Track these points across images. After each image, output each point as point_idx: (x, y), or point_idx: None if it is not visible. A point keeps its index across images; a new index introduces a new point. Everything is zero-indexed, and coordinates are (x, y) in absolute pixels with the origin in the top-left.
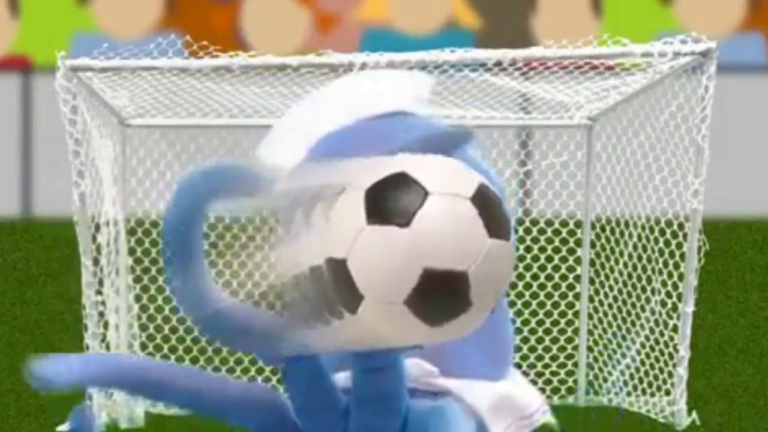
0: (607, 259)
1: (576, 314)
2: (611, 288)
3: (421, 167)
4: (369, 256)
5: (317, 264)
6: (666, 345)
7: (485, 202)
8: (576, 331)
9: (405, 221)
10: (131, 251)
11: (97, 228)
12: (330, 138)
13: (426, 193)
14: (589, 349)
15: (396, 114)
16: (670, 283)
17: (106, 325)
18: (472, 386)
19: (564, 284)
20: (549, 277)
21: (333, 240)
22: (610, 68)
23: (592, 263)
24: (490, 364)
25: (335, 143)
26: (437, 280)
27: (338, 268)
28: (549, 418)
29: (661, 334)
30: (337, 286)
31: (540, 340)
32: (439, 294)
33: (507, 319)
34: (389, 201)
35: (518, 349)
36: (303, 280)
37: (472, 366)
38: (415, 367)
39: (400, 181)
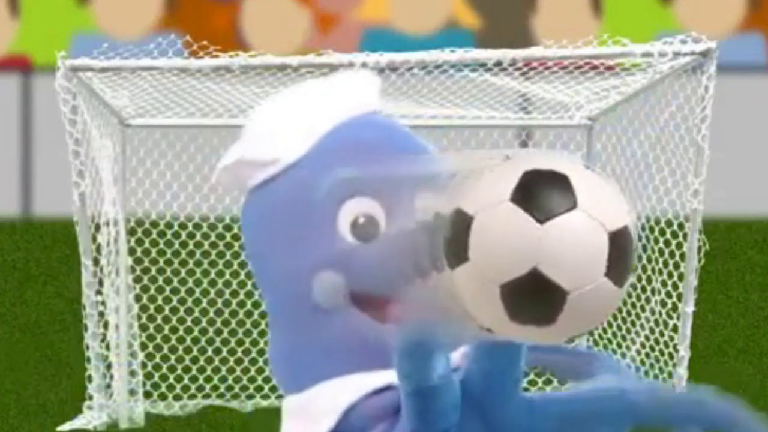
0: None
1: None
2: None
3: (583, 180)
4: (493, 228)
5: (445, 212)
6: (666, 345)
7: (621, 244)
8: None
9: (543, 218)
10: (131, 251)
11: (97, 228)
12: (346, 127)
13: (575, 205)
14: (589, 349)
15: (373, 114)
16: (670, 283)
17: (106, 325)
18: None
19: None
20: None
21: (472, 195)
22: (610, 68)
23: None
24: None
25: (356, 133)
26: (515, 290)
27: (461, 221)
28: None
29: (661, 334)
30: (452, 237)
31: None
32: (533, 298)
33: None
34: (540, 193)
35: None
36: (426, 225)
37: None
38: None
39: (558, 181)
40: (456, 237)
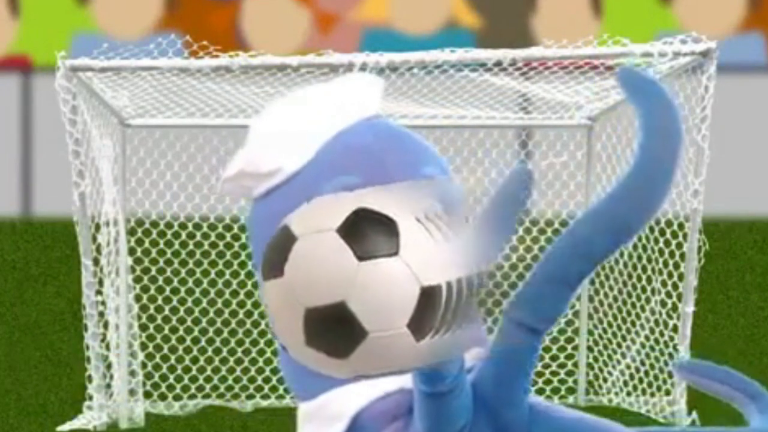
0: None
1: (576, 314)
2: (611, 288)
3: (412, 231)
4: (313, 253)
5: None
6: (666, 345)
7: (431, 301)
8: (576, 331)
9: (363, 256)
10: (131, 251)
11: (97, 228)
12: (348, 135)
13: (397, 252)
14: (589, 349)
15: (375, 117)
16: (670, 283)
17: (106, 325)
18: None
19: None
20: None
21: (303, 217)
22: (610, 68)
23: None
24: None
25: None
26: (318, 316)
27: (286, 238)
28: None
29: (661, 334)
30: (273, 251)
31: None
32: (333, 329)
33: None
34: (366, 232)
35: None
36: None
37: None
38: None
39: (387, 226)
40: (277, 252)
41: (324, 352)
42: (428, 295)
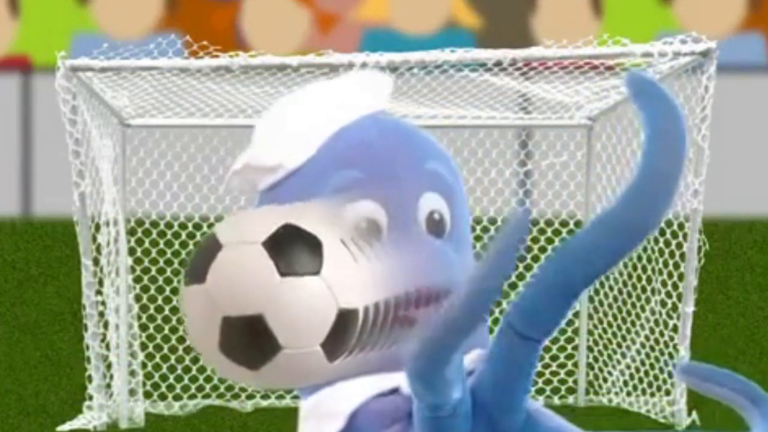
0: None
1: (576, 314)
2: (611, 288)
3: (336, 253)
4: (236, 264)
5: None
6: (666, 345)
7: (346, 324)
8: (576, 331)
9: (285, 272)
10: (131, 251)
11: (97, 228)
12: (350, 130)
13: (319, 272)
14: (589, 349)
15: (381, 113)
16: (670, 283)
17: (106, 325)
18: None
19: None
20: None
21: (230, 227)
22: (610, 68)
23: None
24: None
25: (359, 135)
26: (235, 326)
27: (212, 246)
28: None
29: (661, 334)
30: (198, 257)
31: None
32: (248, 340)
33: None
34: (291, 248)
35: None
36: None
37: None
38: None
39: (312, 245)
40: (201, 258)
41: (236, 362)
42: (345, 318)
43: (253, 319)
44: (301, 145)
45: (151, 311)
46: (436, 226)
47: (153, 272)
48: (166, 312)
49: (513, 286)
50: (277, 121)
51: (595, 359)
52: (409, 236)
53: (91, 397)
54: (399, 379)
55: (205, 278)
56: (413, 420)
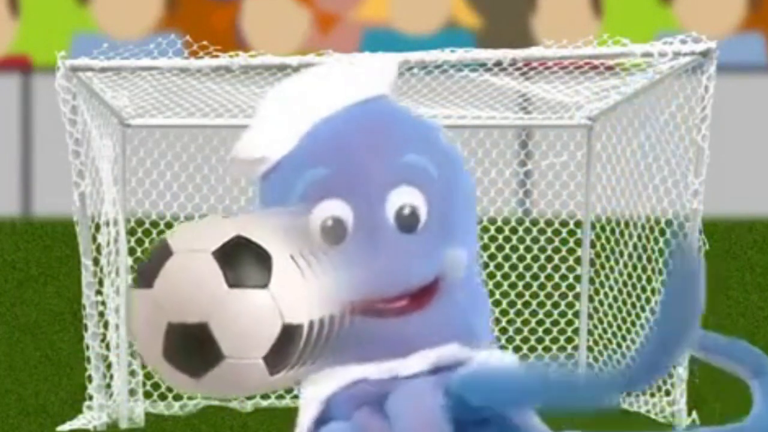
0: (607, 259)
1: (576, 314)
2: (611, 288)
3: (284, 268)
4: (186, 271)
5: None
6: None
7: (290, 339)
8: (576, 331)
9: (233, 283)
10: (131, 251)
11: (97, 228)
12: (327, 123)
13: (266, 286)
14: (589, 349)
15: (376, 98)
16: None
17: (106, 325)
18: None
19: (564, 284)
20: (549, 277)
21: (183, 234)
22: (610, 68)
23: (592, 263)
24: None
25: (333, 128)
26: (179, 332)
27: (163, 252)
28: None
29: None
30: (149, 263)
31: (540, 340)
32: (192, 348)
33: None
34: (240, 260)
35: (518, 348)
36: None
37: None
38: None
39: (262, 259)
40: (151, 263)
41: (178, 368)
42: (289, 333)
43: (198, 327)
44: (281, 137)
45: None
46: (406, 221)
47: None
48: None
49: (512, 285)
50: (264, 112)
51: (595, 359)
52: (374, 233)
53: (91, 397)
54: (366, 370)
55: (153, 283)
56: (384, 404)
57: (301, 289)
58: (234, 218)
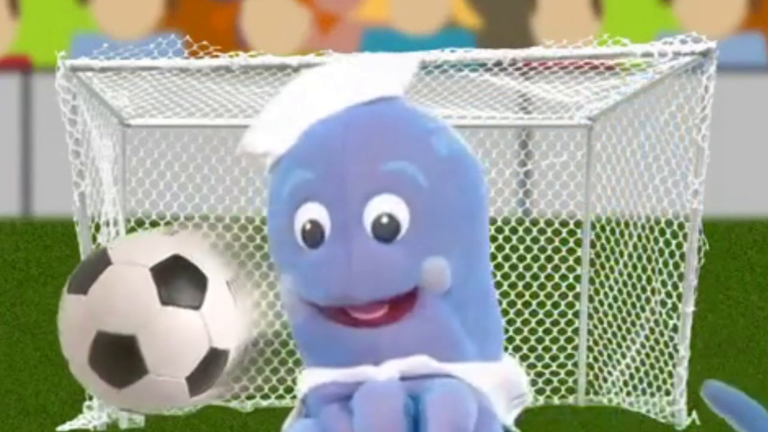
0: (607, 259)
1: (576, 314)
2: (611, 288)
3: (219, 291)
4: (122, 283)
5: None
6: (666, 345)
7: (215, 362)
8: (576, 331)
9: (166, 300)
10: None
11: (97, 228)
12: (323, 123)
13: (199, 307)
14: (589, 349)
15: (384, 99)
16: (670, 283)
17: None
18: (474, 368)
19: (564, 284)
20: (549, 277)
21: (126, 247)
22: (610, 68)
23: (592, 263)
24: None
25: (327, 130)
26: (107, 342)
27: (101, 260)
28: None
29: (661, 334)
30: (86, 268)
31: (540, 340)
32: (118, 359)
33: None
34: (176, 278)
35: (518, 349)
36: None
37: (468, 353)
38: (417, 361)
39: (199, 280)
40: (88, 270)
41: (101, 377)
42: (215, 356)
43: (127, 339)
44: (284, 134)
45: None
46: (383, 230)
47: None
48: None
49: (512, 285)
50: (272, 107)
51: (595, 359)
52: (349, 240)
53: (91, 397)
54: (337, 374)
55: (87, 290)
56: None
57: (231, 316)
58: (177, 237)
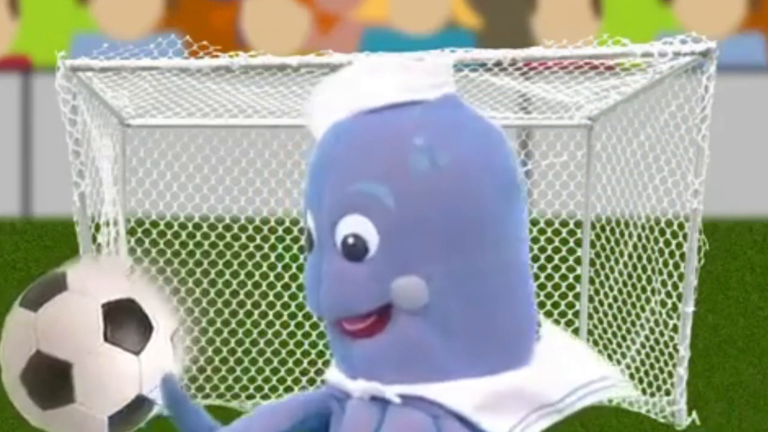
0: (607, 259)
1: (576, 314)
2: (611, 288)
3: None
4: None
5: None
6: (666, 345)
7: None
8: (576, 331)
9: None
10: (131, 251)
11: (97, 228)
12: (334, 128)
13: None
14: None
15: (401, 105)
16: (670, 283)
17: None
18: (454, 387)
19: (564, 284)
20: (549, 277)
21: (81, 273)
22: (610, 68)
23: (592, 263)
24: (481, 361)
25: (330, 139)
26: (44, 362)
27: (57, 284)
28: (608, 394)
29: (661, 334)
30: (43, 288)
31: None
32: (45, 376)
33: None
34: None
35: None
36: None
37: (451, 371)
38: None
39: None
40: (42, 290)
41: (28, 393)
42: (140, 404)
43: (62, 365)
44: (318, 126)
45: None
46: (350, 250)
47: (153, 272)
48: None
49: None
50: (326, 87)
51: None
52: (324, 255)
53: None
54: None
55: (38, 309)
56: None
57: (165, 367)
58: (136, 280)
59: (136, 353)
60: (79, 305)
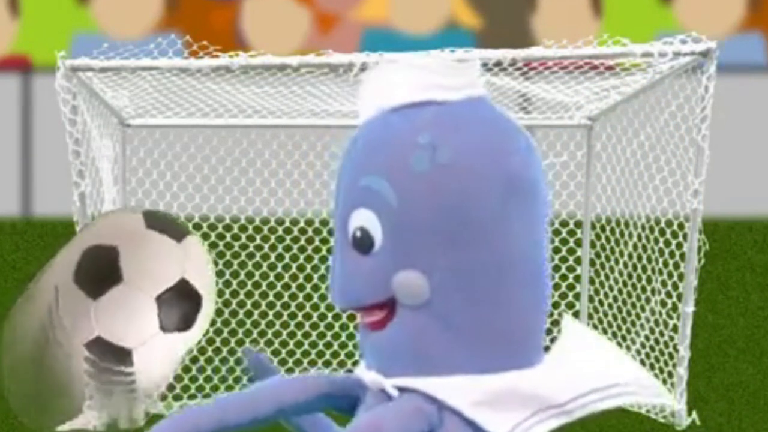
0: (607, 259)
1: (576, 314)
2: (611, 288)
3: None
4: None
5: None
6: (666, 345)
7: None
8: None
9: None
10: None
11: None
12: (364, 127)
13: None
14: None
15: (420, 104)
16: (670, 283)
17: None
18: (455, 382)
19: (564, 284)
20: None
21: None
22: (610, 68)
23: (592, 263)
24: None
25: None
26: (106, 352)
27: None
28: (626, 400)
29: (661, 334)
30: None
31: None
32: (103, 360)
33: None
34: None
35: None
36: None
37: (454, 365)
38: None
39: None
40: (102, 278)
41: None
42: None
43: (122, 351)
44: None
45: None
46: (358, 243)
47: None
48: None
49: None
50: (375, 73)
51: None
52: (339, 248)
53: (91, 397)
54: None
55: (98, 298)
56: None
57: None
58: (181, 266)
59: (186, 328)
60: (133, 301)
